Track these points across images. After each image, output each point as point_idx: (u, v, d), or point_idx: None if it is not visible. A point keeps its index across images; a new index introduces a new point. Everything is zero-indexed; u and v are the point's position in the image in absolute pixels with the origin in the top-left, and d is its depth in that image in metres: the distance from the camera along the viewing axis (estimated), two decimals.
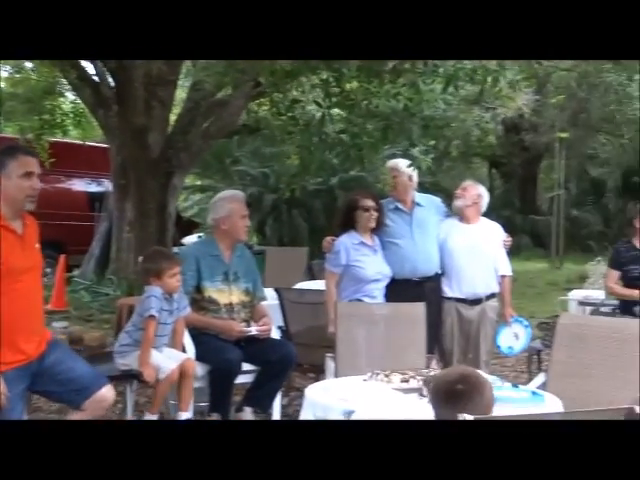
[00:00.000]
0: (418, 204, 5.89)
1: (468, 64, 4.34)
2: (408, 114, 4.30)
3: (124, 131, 10.75)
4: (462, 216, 5.84)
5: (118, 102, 10.66)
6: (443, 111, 4.81)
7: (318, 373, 5.80)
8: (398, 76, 4.47)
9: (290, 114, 4.73)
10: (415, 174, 5.82)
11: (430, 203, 6.00)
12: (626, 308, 6.06)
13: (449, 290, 5.81)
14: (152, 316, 4.63)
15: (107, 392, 4.05)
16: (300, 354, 6.21)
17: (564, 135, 16.32)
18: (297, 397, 6.49)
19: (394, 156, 6.71)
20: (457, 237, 5.80)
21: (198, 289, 5.19)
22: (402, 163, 5.82)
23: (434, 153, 6.89)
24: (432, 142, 4.53)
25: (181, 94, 13.38)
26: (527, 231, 20.66)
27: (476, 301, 5.76)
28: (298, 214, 16.39)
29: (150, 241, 10.61)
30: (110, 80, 10.99)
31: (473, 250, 5.74)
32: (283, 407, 5.90)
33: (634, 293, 5.93)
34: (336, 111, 5.12)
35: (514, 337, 5.89)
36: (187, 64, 11.42)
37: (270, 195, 16.35)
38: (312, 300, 6.19)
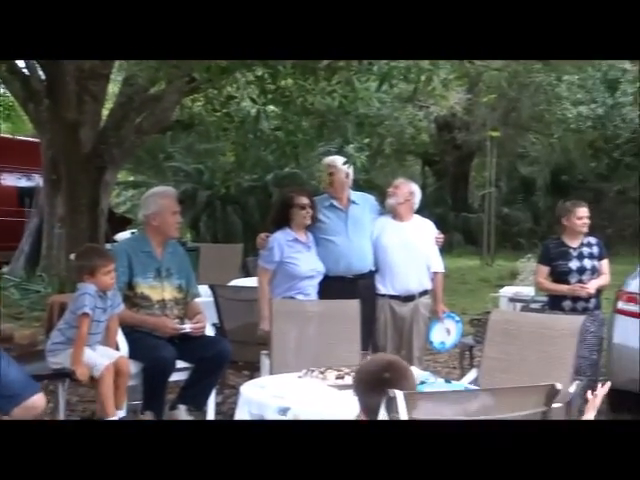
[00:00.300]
0: (353, 202, 5.92)
1: (402, 63, 4.37)
2: (343, 112, 4.31)
3: (55, 125, 10.53)
4: (395, 214, 5.89)
5: (49, 96, 10.44)
6: (377, 109, 4.83)
7: (253, 370, 5.79)
8: (333, 74, 4.48)
9: (225, 110, 4.70)
10: (351, 172, 5.86)
11: (365, 201, 6.03)
12: (555, 303, 6.18)
13: (382, 287, 5.86)
14: (86, 314, 4.56)
15: (38, 400, 3.98)
16: (235, 351, 6.18)
17: (495, 134, 16.57)
18: (232, 395, 6.46)
19: (329, 153, 6.74)
20: (390, 234, 5.85)
21: (130, 286, 5.14)
22: (339, 160, 5.85)
23: (368, 151, 6.93)
24: (366, 140, 4.55)
25: (114, 88, 13.21)
26: (459, 228, 20.94)
27: (409, 298, 5.82)
28: (232, 211, 16.31)
29: (82, 238, 10.40)
30: (41, 73, 10.76)
31: (406, 247, 5.80)
32: (218, 405, 5.87)
33: (562, 288, 6.05)
34: (271, 108, 5.12)
35: (446, 333, 5.97)
36: None
37: (204, 192, 16.24)
38: (247, 297, 6.17)
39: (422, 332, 5.86)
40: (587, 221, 6.08)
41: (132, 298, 5.13)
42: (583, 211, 6.12)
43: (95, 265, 4.64)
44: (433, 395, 2.75)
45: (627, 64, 15.60)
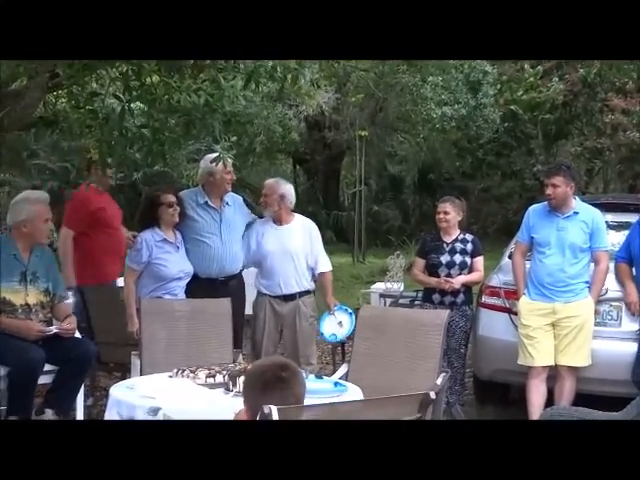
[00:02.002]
0: (227, 203, 5.88)
1: (269, 62, 4.38)
2: (209, 110, 4.27)
3: None
4: (274, 218, 5.89)
5: None
6: (244, 107, 4.82)
7: (125, 372, 5.71)
8: (199, 72, 4.45)
9: (89, 107, 4.59)
10: (231, 173, 5.80)
11: (235, 202, 5.99)
12: (426, 296, 6.36)
13: (263, 288, 5.89)
14: None
15: None
16: (105, 353, 6.09)
17: (363, 133, 16.82)
18: (103, 397, 6.33)
19: (199, 152, 6.65)
20: (271, 239, 5.85)
21: None
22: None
23: (238, 149, 6.89)
24: (234, 138, 4.53)
25: None
26: (330, 226, 21.13)
27: (289, 297, 5.84)
28: None
29: None
30: None
31: (285, 252, 5.81)
32: (88, 407, 5.78)
33: (430, 280, 6.22)
34: (137, 105, 5.03)
35: (338, 325, 6.02)
36: None
37: (71, 190, 15.79)
38: (116, 297, 6.07)
39: (306, 329, 5.85)
40: (445, 216, 6.25)
41: None
42: (442, 207, 6.32)
43: None
44: (308, 408, 2.77)
45: (488, 66, 16.17)
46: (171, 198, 5.58)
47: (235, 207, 5.95)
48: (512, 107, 18.69)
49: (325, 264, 5.99)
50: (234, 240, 5.83)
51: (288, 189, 5.94)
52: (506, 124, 18.93)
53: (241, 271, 5.92)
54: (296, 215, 6.02)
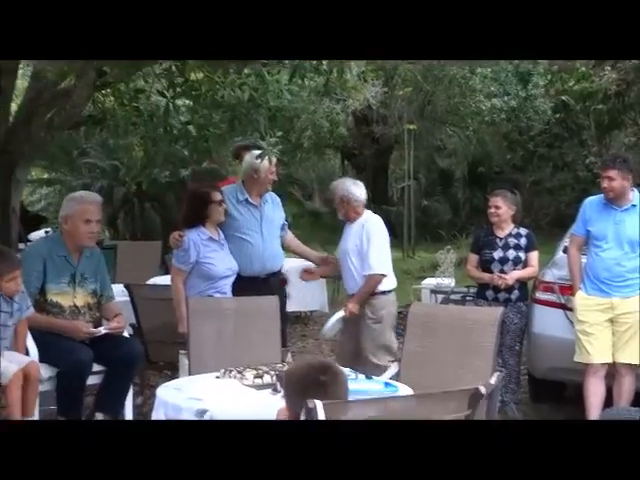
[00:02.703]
0: (266, 200, 5.79)
1: None
2: (254, 104, 4.19)
3: None
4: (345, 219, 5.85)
5: None
6: (289, 102, 4.73)
7: (174, 371, 5.66)
8: (244, 66, 4.37)
9: (134, 104, 4.55)
10: (274, 168, 5.70)
11: (273, 200, 5.90)
12: (480, 293, 6.24)
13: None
14: None
15: None
16: (155, 352, 6.09)
17: (412, 127, 16.64)
18: (152, 395, 6.30)
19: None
20: (342, 239, 5.84)
21: (41, 291, 4.95)
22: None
23: (285, 145, 6.80)
24: (280, 133, 4.44)
25: (23, 83, 12.79)
26: None
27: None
28: (150, 207, 15.99)
29: None
30: None
31: (343, 252, 5.77)
32: (138, 407, 5.78)
33: (484, 276, 6.10)
34: (182, 102, 4.97)
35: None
36: None
37: (121, 188, 15.87)
38: (165, 296, 6.00)
39: (363, 330, 5.66)
40: (496, 211, 6.14)
41: (42, 304, 4.95)
42: (493, 200, 6.21)
43: None
44: (355, 404, 2.69)
45: None
46: (219, 196, 5.49)
47: (273, 205, 5.86)
48: (563, 98, 18.32)
49: (369, 266, 5.64)
50: (274, 237, 5.76)
51: (348, 190, 5.76)
52: (557, 115, 18.56)
53: (281, 268, 5.86)
54: (365, 213, 5.83)
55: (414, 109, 17.84)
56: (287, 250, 6.06)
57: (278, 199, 5.95)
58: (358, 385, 3.58)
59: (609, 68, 16.38)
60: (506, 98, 15.61)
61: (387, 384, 3.95)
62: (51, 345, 4.78)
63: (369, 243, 5.63)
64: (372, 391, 3.69)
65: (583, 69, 16.86)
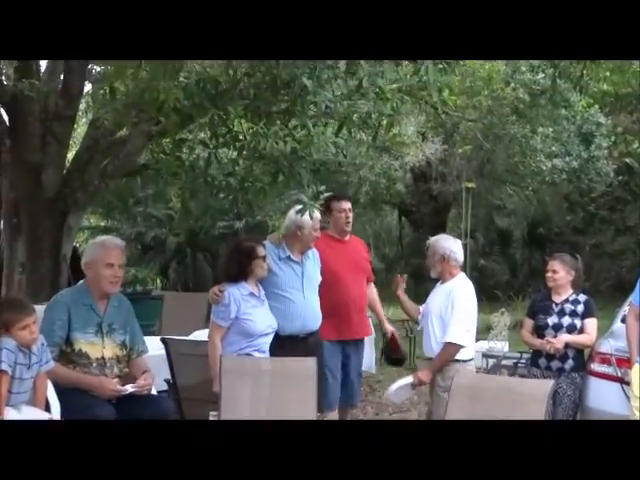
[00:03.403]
0: (307, 256, 5.64)
1: (363, 107, 4.14)
2: (297, 157, 4.03)
3: (17, 167, 10.23)
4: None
5: (11, 137, 10.16)
6: (333, 155, 4.57)
7: None
8: (290, 117, 4.22)
9: (177, 154, 4.43)
10: (319, 230, 5.59)
11: (314, 255, 5.74)
12: (533, 360, 5.98)
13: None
14: (2, 370, 4.18)
15: None
16: (189, 410, 5.87)
17: (470, 185, 16.41)
18: None
19: (298, 202, 6.35)
20: (430, 298, 5.72)
21: (68, 341, 4.77)
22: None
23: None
24: (322, 187, 4.28)
25: (78, 130, 12.95)
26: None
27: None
28: (203, 258, 15.99)
29: (42, 283, 10.08)
30: (3, 113, 10.48)
31: (428, 313, 5.66)
32: None
33: (535, 342, 5.82)
34: (224, 153, 4.84)
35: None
36: (87, 99, 11.00)
37: (174, 238, 15.93)
38: (202, 352, 5.83)
39: (440, 399, 5.32)
40: (553, 275, 5.89)
41: (69, 354, 4.76)
42: (551, 264, 5.98)
43: (8, 319, 4.27)
44: None
45: (602, 117, 15.56)
46: (263, 251, 5.31)
47: (314, 260, 5.70)
48: (627, 160, 17.97)
49: (449, 334, 5.46)
50: (314, 294, 5.60)
51: (451, 249, 5.65)
52: (620, 177, 18.17)
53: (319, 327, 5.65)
54: (459, 275, 5.69)
55: (473, 167, 17.62)
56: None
57: (316, 253, 5.78)
58: None
59: None
60: (568, 159, 15.30)
61: None
62: (71, 400, 4.59)
63: (453, 310, 5.48)
64: None
65: None
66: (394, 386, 5.51)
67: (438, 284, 5.69)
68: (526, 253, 22.47)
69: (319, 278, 5.71)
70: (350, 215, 5.97)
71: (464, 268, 17.88)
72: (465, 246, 17.78)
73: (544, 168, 15.27)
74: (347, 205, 5.97)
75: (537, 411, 4.10)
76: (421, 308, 5.88)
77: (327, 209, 5.99)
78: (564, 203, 20.63)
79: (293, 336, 5.42)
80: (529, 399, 4.17)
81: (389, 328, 6.15)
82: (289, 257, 5.53)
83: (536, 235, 22.26)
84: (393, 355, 6.20)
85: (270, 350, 5.30)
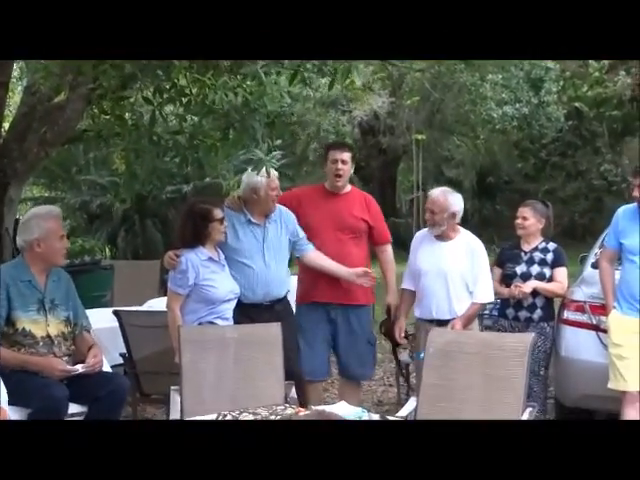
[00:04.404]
0: (272, 220, 5.24)
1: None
2: (249, 110, 3.71)
3: None
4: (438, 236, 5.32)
5: None
6: (289, 106, 4.25)
7: (168, 404, 5.17)
8: (238, 68, 3.89)
9: (117, 113, 4.08)
10: (278, 188, 5.18)
11: (282, 217, 5.31)
12: (501, 311, 5.78)
13: (418, 311, 5.34)
14: None
15: None
16: (148, 384, 5.61)
17: (421, 137, 16.21)
18: None
19: (249, 161, 5.98)
20: (427, 257, 5.29)
21: (9, 321, 4.44)
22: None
23: (290, 157, 6.33)
24: (278, 142, 3.97)
25: (14, 98, 12.42)
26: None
27: (443, 324, 5.16)
28: (152, 224, 15.55)
29: None
30: None
31: (440, 272, 5.22)
32: None
33: (503, 291, 5.60)
34: (170, 110, 4.49)
35: None
36: (20, 65, 10.47)
37: (121, 204, 15.43)
38: (159, 323, 5.52)
39: None
40: (523, 222, 5.68)
41: (12, 335, 4.43)
42: (521, 211, 5.76)
43: None
44: None
45: (550, 63, 15.42)
46: (221, 213, 4.97)
47: (281, 223, 5.29)
48: (576, 104, 17.92)
49: (482, 295, 5.23)
50: (279, 261, 5.23)
51: (459, 205, 5.27)
52: (570, 122, 18.15)
53: (286, 294, 5.34)
54: (462, 230, 5.36)
55: (422, 119, 17.43)
56: (314, 267, 5.40)
57: (290, 215, 5.36)
58: None
59: (623, 73, 15.96)
60: (518, 105, 15.17)
61: None
62: (20, 384, 4.26)
63: (480, 267, 5.23)
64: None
65: (596, 74, 16.47)
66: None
67: (437, 242, 5.29)
68: (476, 203, 22.44)
69: (294, 238, 5.32)
70: (343, 167, 5.49)
71: (417, 220, 17.72)
72: (418, 199, 17.68)
73: (495, 116, 15.15)
74: (342, 155, 5.53)
75: (518, 366, 3.90)
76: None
77: (324, 159, 5.66)
78: (514, 151, 20.60)
79: (256, 304, 5.12)
80: (509, 354, 3.96)
81: (390, 300, 5.61)
82: (249, 221, 5.18)
83: (485, 185, 22.22)
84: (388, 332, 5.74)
85: (234, 318, 5.00)
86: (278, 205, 5.29)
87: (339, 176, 5.52)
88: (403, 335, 5.50)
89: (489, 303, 6.85)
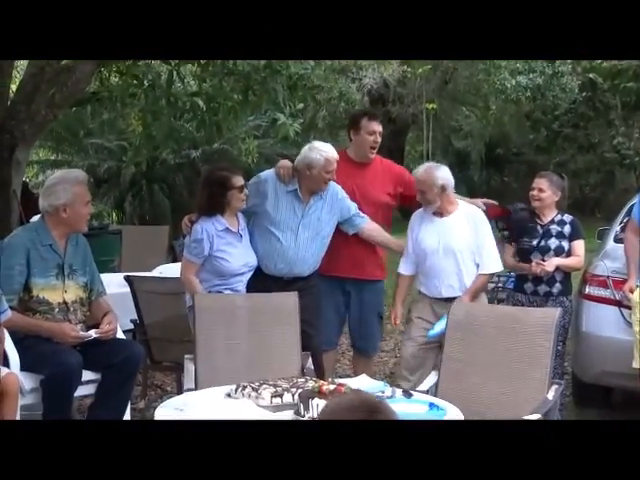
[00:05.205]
0: (318, 198, 5.01)
1: None
2: (271, 71, 3.54)
3: None
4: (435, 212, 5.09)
5: None
6: (312, 69, 4.07)
7: (180, 372, 5.12)
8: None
9: (133, 73, 3.92)
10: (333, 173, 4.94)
11: (330, 195, 5.06)
12: (518, 285, 5.59)
13: (423, 288, 5.12)
14: None
15: None
16: (159, 351, 5.54)
17: (431, 106, 15.94)
18: (158, 397, 5.79)
19: (259, 127, 5.86)
20: (430, 235, 5.04)
21: (26, 287, 4.31)
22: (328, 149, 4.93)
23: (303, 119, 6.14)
24: (301, 105, 3.80)
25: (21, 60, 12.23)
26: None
27: (452, 300, 4.88)
28: (159, 189, 15.37)
29: None
30: None
31: (447, 249, 4.99)
32: (141, 411, 5.42)
33: (523, 266, 5.44)
34: (187, 69, 4.33)
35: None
36: None
37: (129, 169, 15.23)
38: (171, 289, 5.41)
39: None
40: (539, 194, 5.42)
41: (27, 302, 4.31)
42: (537, 182, 5.46)
43: None
44: None
45: None
46: (241, 181, 4.81)
47: (326, 203, 5.04)
48: (591, 75, 17.65)
49: (489, 264, 5.02)
50: (313, 240, 5.00)
51: (446, 177, 4.98)
52: (584, 94, 17.87)
53: (312, 274, 5.14)
54: (460, 203, 5.10)
55: (433, 87, 17.18)
56: (369, 240, 5.23)
57: (339, 195, 5.10)
58: (399, 407, 2.94)
59: None
60: (532, 75, 14.92)
61: (432, 405, 3.33)
62: (33, 350, 4.17)
63: (484, 236, 4.99)
64: (415, 415, 3.08)
65: None
66: (437, 329, 4.98)
67: (435, 219, 5.06)
68: (484, 175, 22.26)
69: (330, 221, 5.09)
70: (379, 140, 5.31)
71: None
72: None
73: (508, 86, 14.90)
74: (379, 127, 5.33)
75: (544, 341, 3.79)
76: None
77: (354, 126, 5.40)
78: (526, 122, 20.34)
79: (276, 277, 4.98)
80: (535, 329, 3.85)
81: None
82: (295, 193, 4.97)
83: (494, 156, 22.01)
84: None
85: (251, 285, 4.86)
86: (332, 183, 5.07)
87: (374, 148, 5.34)
88: (399, 322, 5.36)
89: (502, 276, 6.74)
